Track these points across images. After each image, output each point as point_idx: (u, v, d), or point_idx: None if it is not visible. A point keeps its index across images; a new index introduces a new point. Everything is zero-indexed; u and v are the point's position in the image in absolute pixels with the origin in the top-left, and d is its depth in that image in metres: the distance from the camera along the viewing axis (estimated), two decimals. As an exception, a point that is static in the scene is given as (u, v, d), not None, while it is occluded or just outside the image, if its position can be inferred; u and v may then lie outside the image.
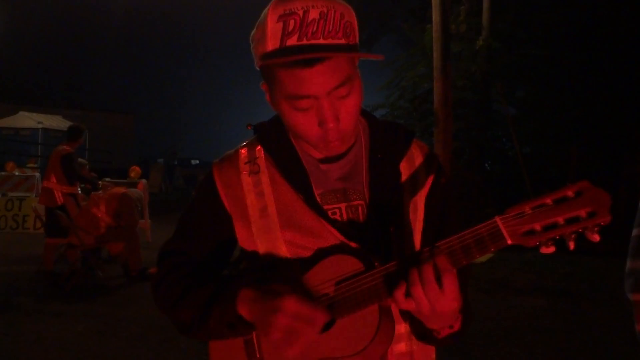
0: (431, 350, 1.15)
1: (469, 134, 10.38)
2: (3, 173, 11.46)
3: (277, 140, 1.10)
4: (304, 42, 0.93)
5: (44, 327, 4.49)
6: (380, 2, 13.35)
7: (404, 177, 1.10)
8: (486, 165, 11.07)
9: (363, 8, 12.96)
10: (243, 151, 1.14)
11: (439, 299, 0.88)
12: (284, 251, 1.06)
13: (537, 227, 0.86)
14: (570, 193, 0.85)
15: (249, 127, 1.18)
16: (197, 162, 34.20)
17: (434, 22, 7.76)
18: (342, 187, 1.09)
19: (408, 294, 0.89)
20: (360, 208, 1.08)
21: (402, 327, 1.07)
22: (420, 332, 1.03)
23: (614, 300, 5.25)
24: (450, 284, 0.88)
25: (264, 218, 1.08)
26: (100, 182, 6.69)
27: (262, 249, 1.08)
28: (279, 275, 1.05)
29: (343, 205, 1.08)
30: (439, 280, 0.88)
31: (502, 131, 11.00)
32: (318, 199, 1.07)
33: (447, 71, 7.68)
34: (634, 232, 1.42)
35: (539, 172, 9.82)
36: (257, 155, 1.12)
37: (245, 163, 1.12)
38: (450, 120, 7.90)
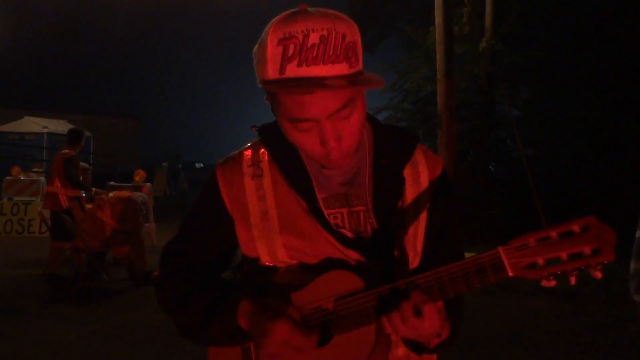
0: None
1: (473, 136, 10.36)
2: (9, 177, 11.50)
3: (280, 143, 1.10)
4: (304, 68, 0.91)
5: (49, 330, 4.51)
6: (383, 5, 13.35)
7: (407, 183, 1.10)
8: (490, 167, 11.05)
9: (366, 10, 12.98)
10: (247, 153, 1.14)
11: (420, 329, 0.92)
12: (282, 255, 1.07)
13: (540, 260, 0.86)
14: (576, 227, 0.84)
15: (253, 129, 1.17)
16: (201, 165, 34.32)
17: (437, 24, 7.75)
18: (344, 192, 1.09)
19: (390, 321, 0.93)
20: (361, 214, 1.08)
21: None
22: (410, 344, 1.04)
23: (620, 301, 5.23)
24: (430, 317, 0.91)
25: (265, 222, 1.08)
26: (93, 189, 6.65)
27: (262, 252, 1.09)
28: (280, 285, 1.05)
29: (344, 210, 1.08)
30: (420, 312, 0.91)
31: (506, 133, 10.97)
32: (320, 204, 1.07)
33: (451, 73, 7.67)
34: (638, 233, 1.43)
35: (543, 174, 9.80)
36: (261, 159, 1.12)
37: (249, 166, 1.12)
38: (454, 122, 7.89)
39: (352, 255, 1.03)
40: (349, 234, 1.06)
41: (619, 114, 9.82)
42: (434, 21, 7.93)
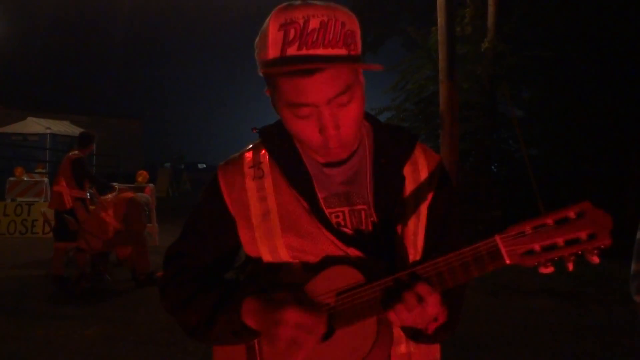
0: (435, 351, 1.16)
1: (475, 136, 10.35)
2: (12, 178, 11.54)
3: (281, 144, 1.11)
4: (304, 51, 0.93)
5: (53, 330, 4.53)
6: (386, 5, 13.36)
7: (407, 182, 1.11)
8: (493, 167, 11.03)
9: (368, 11, 12.98)
10: (248, 155, 1.15)
11: (422, 317, 0.93)
12: (285, 255, 1.08)
13: (537, 247, 0.87)
14: (571, 214, 0.85)
15: (254, 131, 1.18)
16: (204, 166, 34.34)
17: (439, 25, 7.76)
18: (345, 191, 1.10)
19: (395, 312, 0.94)
20: (363, 212, 1.09)
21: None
22: (410, 332, 1.05)
23: (622, 302, 5.22)
24: (433, 305, 0.93)
25: (266, 222, 1.09)
26: (116, 187, 6.74)
27: (264, 253, 1.10)
28: (282, 283, 1.06)
29: (346, 209, 1.09)
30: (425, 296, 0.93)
31: (509, 133, 10.96)
32: (322, 203, 1.08)
33: (453, 74, 7.67)
34: (639, 234, 1.43)
35: (545, 174, 9.79)
36: (262, 160, 1.13)
37: (250, 167, 1.13)
38: (456, 123, 7.89)
39: (354, 254, 1.04)
40: (350, 233, 1.07)
41: (622, 114, 9.80)
42: (437, 21, 7.94)
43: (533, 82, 11.03)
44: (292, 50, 0.94)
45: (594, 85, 10.28)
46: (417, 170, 1.13)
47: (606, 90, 10.10)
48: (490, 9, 9.91)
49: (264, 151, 1.14)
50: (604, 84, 10.14)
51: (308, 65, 0.93)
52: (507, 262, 0.88)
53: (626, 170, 9.26)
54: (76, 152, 6.42)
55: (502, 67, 9.96)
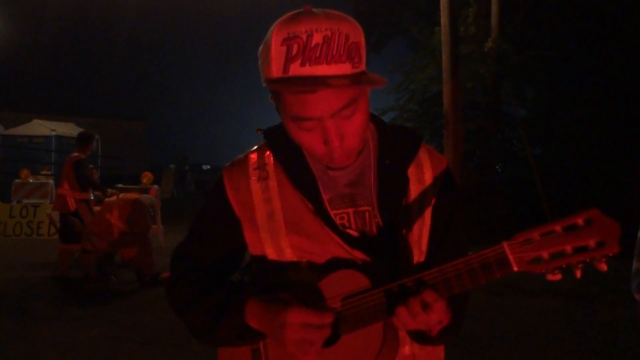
0: (439, 351, 1.16)
1: (479, 136, 10.34)
2: (18, 180, 11.60)
3: (286, 145, 1.11)
4: (307, 68, 0.92)
5: (58, 331, 4.54)
6: (389, 5, 13.35)
7: (411, 183, 1.11)
8: (497, 167, 11.02)
9: (372, 11, 12.98)
10: (253, 156, 1.16)
11: (427, 322, 0.94)
12: (290, 255, 1.08)
13: (545, 254, 0.86)
14: (580, 221, 0.85)
15: (259, 132, 1.18)
16: (208, 167, 34.30)
17: (443, 25, 7.77)
18: (350, 193, 1.10)
19: (400, 318, 0.94)
20: (367, 214, 1.09)
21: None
22: (414, 334, 1.05)
23: (627, 301, 5.18)
24: (438, 311, 0.93)
25: (271, 223, 1.09)
26: (108, 189, 6.70)
27: (269, 253, 1.10)
28: (289, 282, 1.07)
29: (351, 211, 1.09)
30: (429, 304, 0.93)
31: (513, 133, 10.94)
32: (326, 205, 1.08)
33: (457, 73, 7.68)
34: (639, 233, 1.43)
35: (550, 173, 9.76)
36: (267, 162, 1.13)
37: (255, 169, 1.13)
38: (460, 123, 7.89)
39: (358, 255, 1.05)
40: (355, 234, 1.07)
41: (625, 112, 9.76)
42: (440, 21, 7.94)
43: (537, 81, 11.01)
44: (295, 67, 0.93)
45: (598, 84, 10.25)
46: (421, 172, 1.12)
47: (610, 89, 10.06)
48: (494, 8, 9.89)
49: (268, 152, 1.14)
50: (608, 83, 10.10)
51: (309, 87, 0.93)
52: (515, 269, 0.88)
53: (631, 170, 9.21)
54: (77, 153, 6.42)
55: (505, 67, 9.94)
